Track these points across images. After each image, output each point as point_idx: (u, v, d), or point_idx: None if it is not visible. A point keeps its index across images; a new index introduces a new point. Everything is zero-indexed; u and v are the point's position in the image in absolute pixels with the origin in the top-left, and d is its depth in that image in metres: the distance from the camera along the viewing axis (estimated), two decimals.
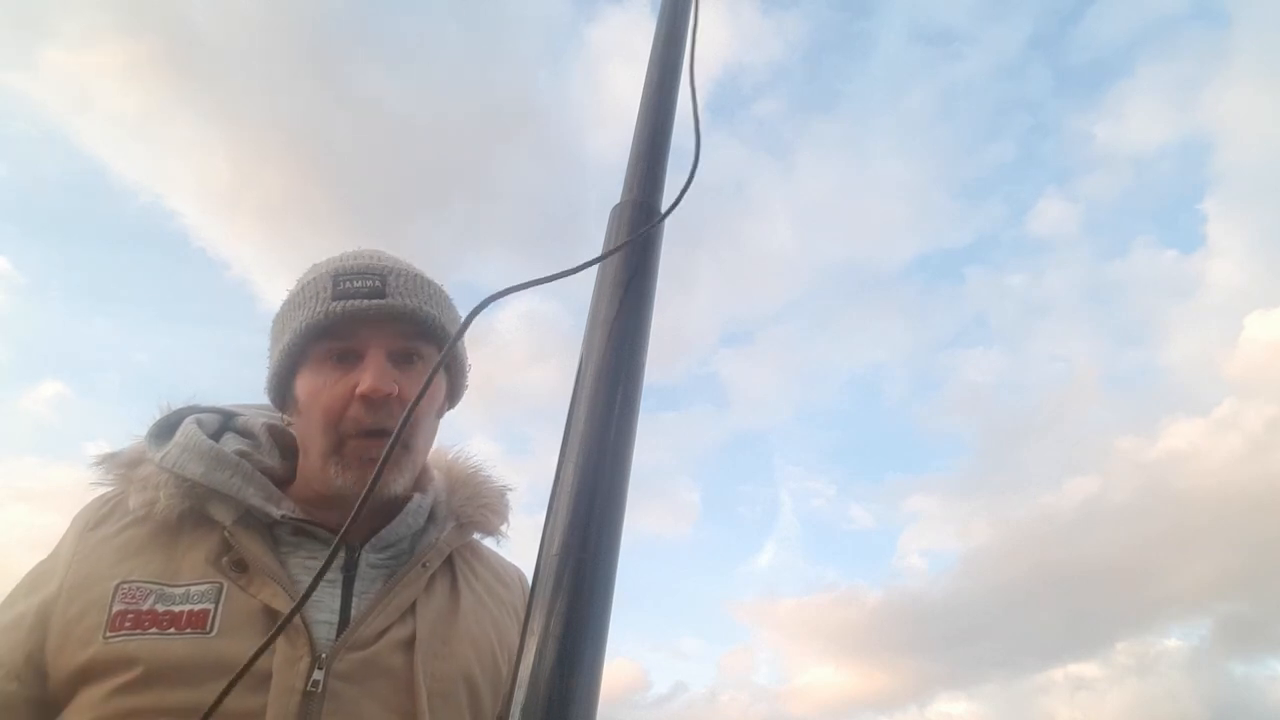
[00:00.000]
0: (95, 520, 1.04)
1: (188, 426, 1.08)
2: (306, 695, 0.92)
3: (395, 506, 1.10)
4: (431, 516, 1.16)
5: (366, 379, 1.02)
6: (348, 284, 1.05)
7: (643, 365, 0.63)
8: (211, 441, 1.07)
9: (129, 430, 1.13)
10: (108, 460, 1.08)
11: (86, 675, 0.92)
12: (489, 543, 1.26)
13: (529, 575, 0.57)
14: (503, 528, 1.23)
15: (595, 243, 0.71)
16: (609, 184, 0.76)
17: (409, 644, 1.01)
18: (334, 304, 1.04)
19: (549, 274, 0.65)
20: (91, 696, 0.91)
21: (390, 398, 1.03)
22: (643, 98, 0.78)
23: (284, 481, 1.10)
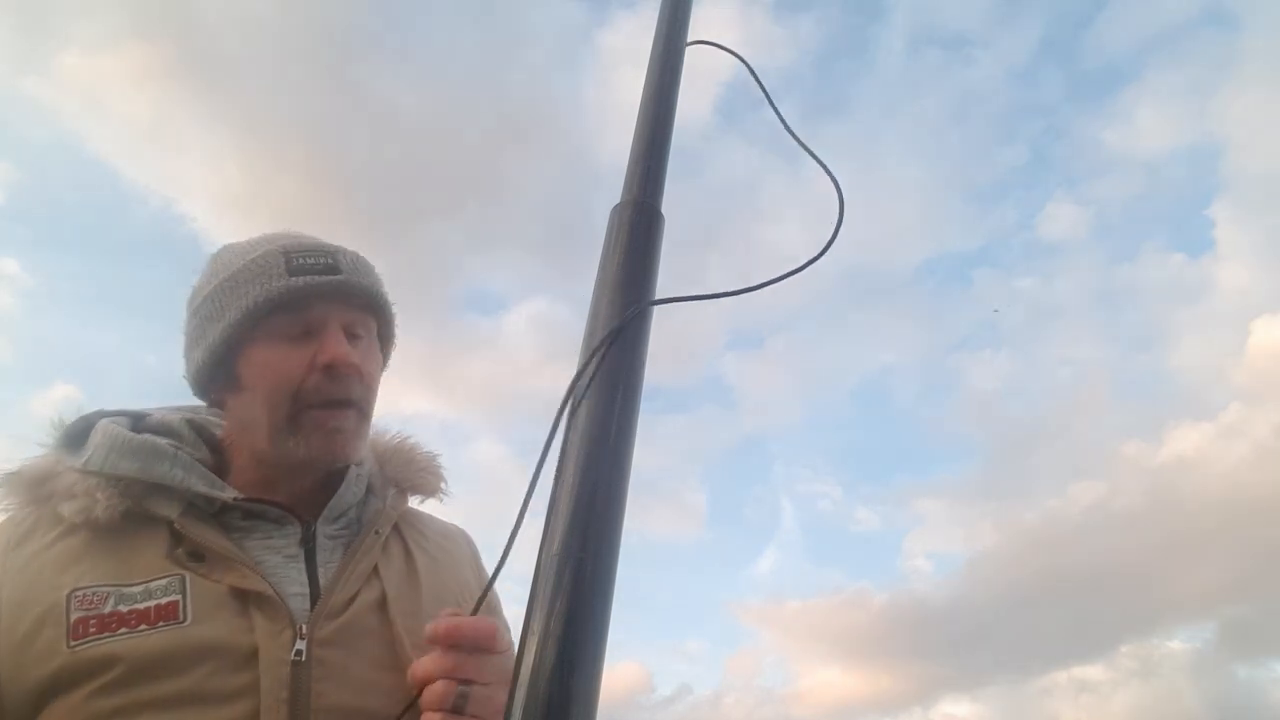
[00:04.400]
0: (18, 538, 1.00)
1: (106, 427, 1.06)
2: (294, 665, 0.93)
3: (336, 479, 1.12)
4: (370, 488, 1.18)
5: (330, 349, 1.04)
6: (301, 260, 1.07)
7: (643, 366, 0.63)
8: (140, 435, 1.05)
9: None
10: (9, 481, 1.03)
11: (54, 688, 0.90)
12: (430, 507, 1.28)
13: (529, 574, 0.57)
14: (442, 486, 1.26)
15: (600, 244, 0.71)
16: (619, 186, 0.76)
17: (381, 604, 1.03)
18: (292, 279, 1.05)
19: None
20: (65, 705, 0.89)
21: (356, 368, 1.05)
22: (642, 99, 0.78)
23: (219, 472, 1.09)
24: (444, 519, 1.31)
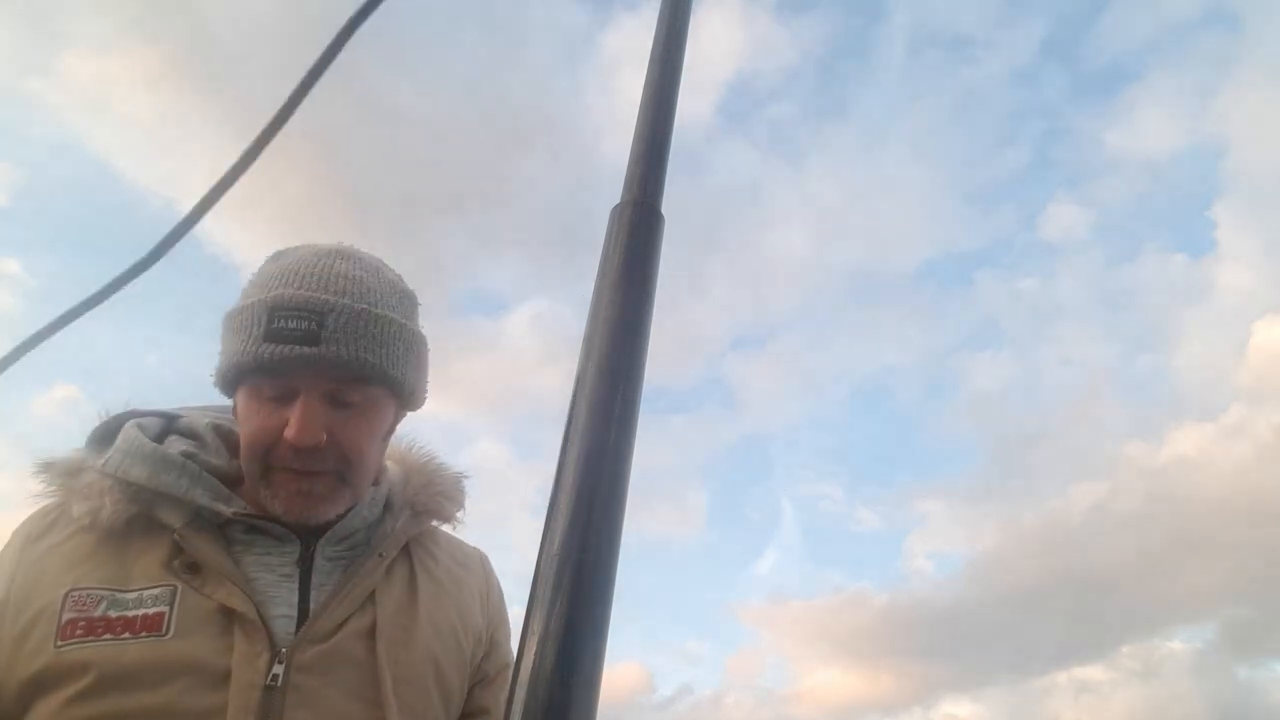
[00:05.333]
0: (38, 531, 1.02)
1: (128, 431, 1.07)
2: (267, 690, 0.92)
3: None
4: (387, 506, 1.16)
5: (292, 428, 0.99)
6: (281, 322, 1.00)
7: (643, 365, 0.63)
8: (154, 444, 1.06)
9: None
10: (47, 469, 1.06)
11: (39, 686, 0.91)
12: (447, 529, 1.26)
13: (529, 575, 0.58)
14: (458, 514, 1.23)
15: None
16: (620, 186, 0.76)
17: (370, 633, 1.02)
18: (264, 346, 0.99)
19: None
20: (46, 707, 0.90)
21: (319, 446, 1.00)
22: (642, 98, 0.78)
23: (234, 480, 1.09)
24: (463, 540, 1.28)
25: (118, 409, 1.13)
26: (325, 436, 1.01)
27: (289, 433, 0.99)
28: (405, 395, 1.11)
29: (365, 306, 1.04)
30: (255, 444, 1.02)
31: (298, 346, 0.99)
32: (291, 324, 1.00)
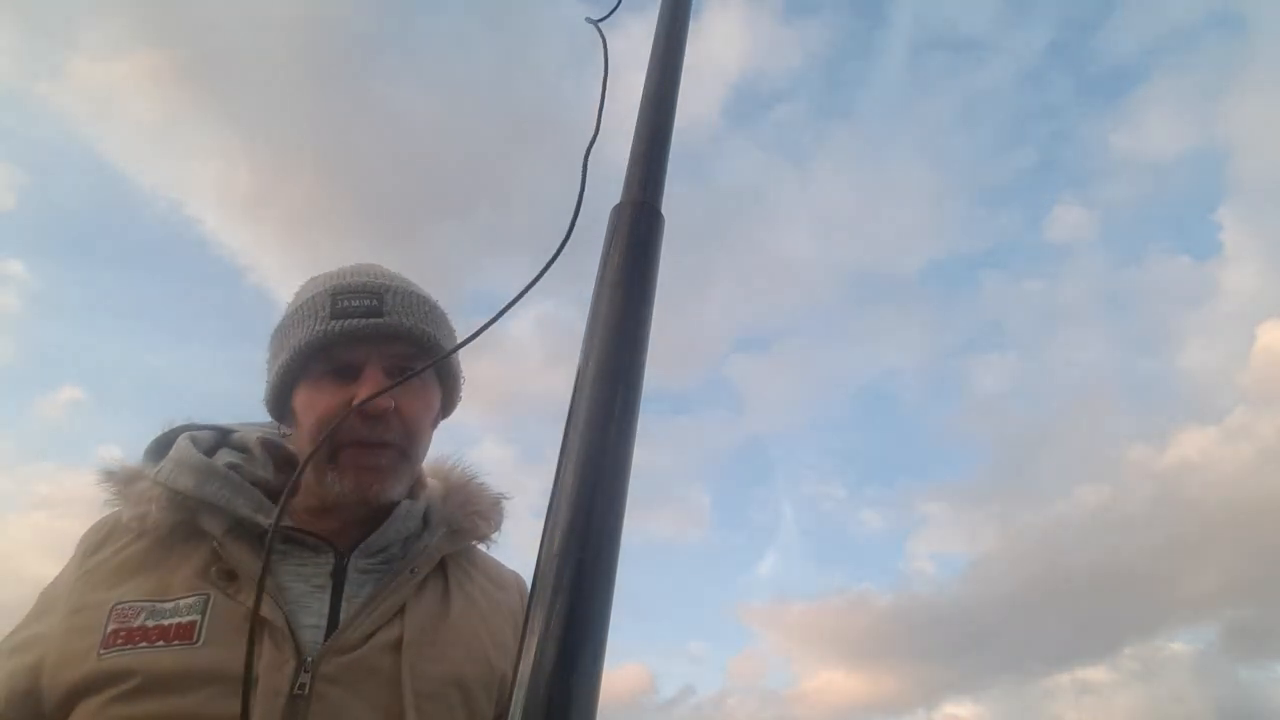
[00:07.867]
0: (94, 545, 1.07)
1: (181, 443, 1.11)
2: (292, 698, 0.94)
3: (384, 513, 1.12)
4: (425, 522, 1.17)
5: (364, 393, 1.04)
6: (346, 302, 1.09)
7: (643, 365, 0.63)
8: (202, 456, 1.10)
9: (143, 436, 1.16)
10: (109, 477, 1.11)
11: (81, 692, 0.94)
12: (483, 549, 1.27)
13: (528, 575, 0.58)
14: (494, 535, 1.25)
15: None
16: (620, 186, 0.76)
17: (396, 646, 1.02)
18: (333, 323, 1.07)
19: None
20: (87, 711, 0.93)
21: (387, 412, 1.06)
22: (643, 98, 0.78)
23: (277, 492, 1.11)
24: (501, 561, 1.30)
25: (180, 421, 1.18)
26: (393, 402, 1.06)
27: (359, 399, 1.04)
28: (450, 385, 1.20)
29: (416, 290, 1.15)
30: (324, 422, 1.07)
31: (363, 319, 1.07)
32: (355, 302, 1.09)
